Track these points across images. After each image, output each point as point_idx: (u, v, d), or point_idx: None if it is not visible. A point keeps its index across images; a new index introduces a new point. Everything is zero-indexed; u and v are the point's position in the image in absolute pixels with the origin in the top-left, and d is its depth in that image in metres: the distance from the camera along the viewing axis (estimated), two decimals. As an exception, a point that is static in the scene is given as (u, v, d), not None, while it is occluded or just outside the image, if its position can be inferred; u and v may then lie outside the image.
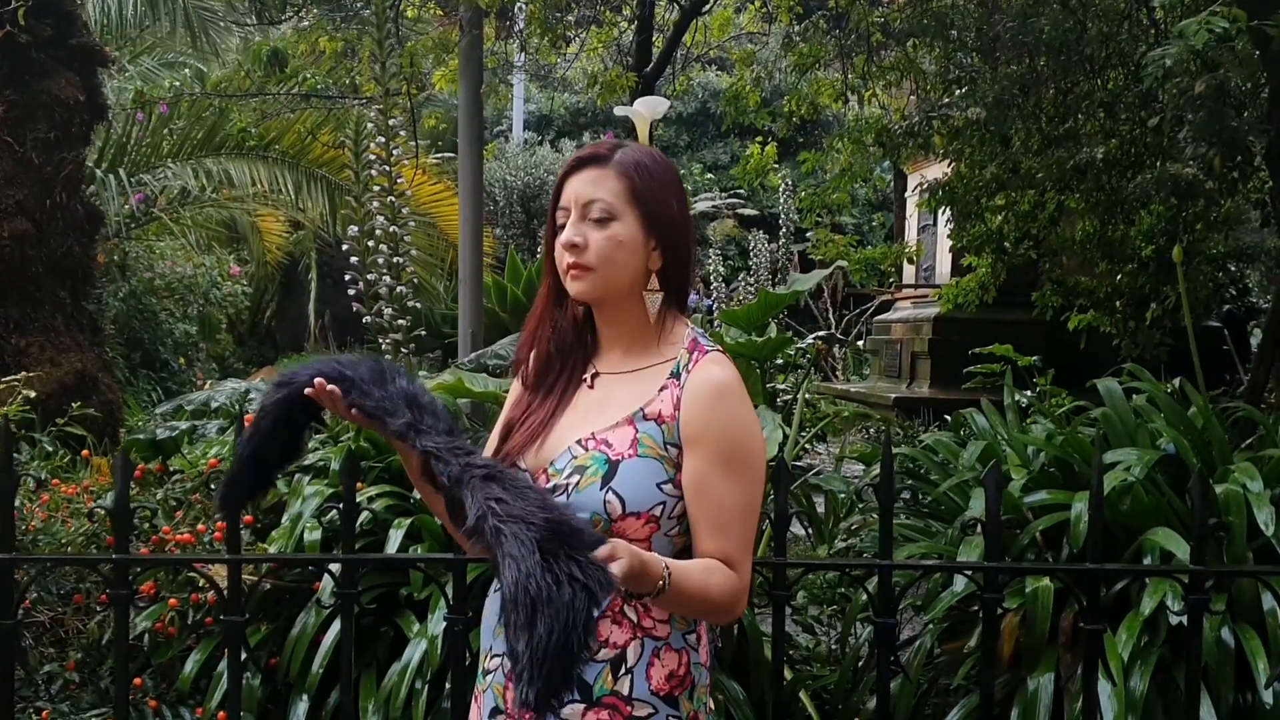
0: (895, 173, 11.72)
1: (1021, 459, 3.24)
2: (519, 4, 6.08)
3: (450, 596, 2.22)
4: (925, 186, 5.84)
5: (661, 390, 1.68)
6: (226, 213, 11.68)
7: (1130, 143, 4.98)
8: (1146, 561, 2.75)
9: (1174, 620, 2.49)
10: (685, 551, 1.66)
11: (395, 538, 2.82)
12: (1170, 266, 5.40)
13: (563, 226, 1.69)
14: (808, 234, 12.11)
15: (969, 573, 2.34)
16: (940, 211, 6.17)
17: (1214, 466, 3.06)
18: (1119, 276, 5.43)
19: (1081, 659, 2.77)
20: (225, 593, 2.12)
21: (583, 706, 1.61)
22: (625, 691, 1.62)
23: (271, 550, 2.92)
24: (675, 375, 1.68)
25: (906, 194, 12.12)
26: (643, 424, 1.64)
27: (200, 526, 3.01)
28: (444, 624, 2.31)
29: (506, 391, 1.90)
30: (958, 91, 5.51)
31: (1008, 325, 7.18)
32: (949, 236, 7.07)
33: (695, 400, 1.65)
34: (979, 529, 2.81)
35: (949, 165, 5.91)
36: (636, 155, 1.71)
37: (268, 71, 7.78)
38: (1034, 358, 5.17)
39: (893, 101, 7.02)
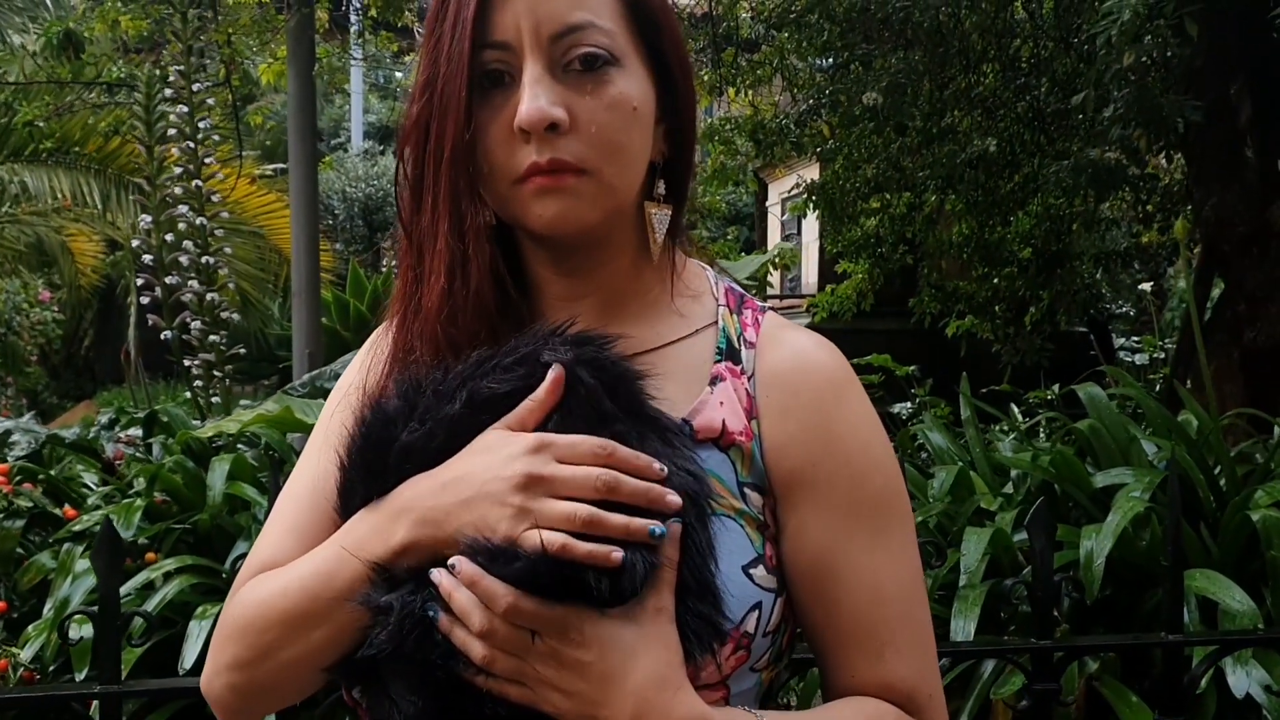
0: (758, 183, 11.39)
1: (989, 485, 2.68)
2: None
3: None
4: (801, 188, 5.56)
5: (715, 383, 0.89)
6: (31, 231, 10.62)
7: (1008, 140, 4.66)
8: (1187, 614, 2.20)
9: (1243, 692, 1.93)
10: (775, 690, 0.93)
11: (198, 632, 2.03)
12: (1049, 269, 5.27)
13: (494, 79, 0.84)
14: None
15: (1013, 656, 1.72)
16: (815, 216, 5.86)
17: (1219, 486, 2.55)
18: (996, 280, 5.34)
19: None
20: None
21: None
22: None
23: (25, 653, 2.11)
24: (727, 353, 0.90)
25: (769, 204, 11.82)
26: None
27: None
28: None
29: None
30: (851, 72, 5.10)
31: (882, 335, 6.99)
32: (826, 244, 6.85)
33: (792, 399, 0.87)
34: (967, 578, 2.23)
35: (820, 168, 5.68)
36: None
37: (61, 59, 6.76)
38: (912, 367, 5.11)
39: (760, 101, 6.72)
